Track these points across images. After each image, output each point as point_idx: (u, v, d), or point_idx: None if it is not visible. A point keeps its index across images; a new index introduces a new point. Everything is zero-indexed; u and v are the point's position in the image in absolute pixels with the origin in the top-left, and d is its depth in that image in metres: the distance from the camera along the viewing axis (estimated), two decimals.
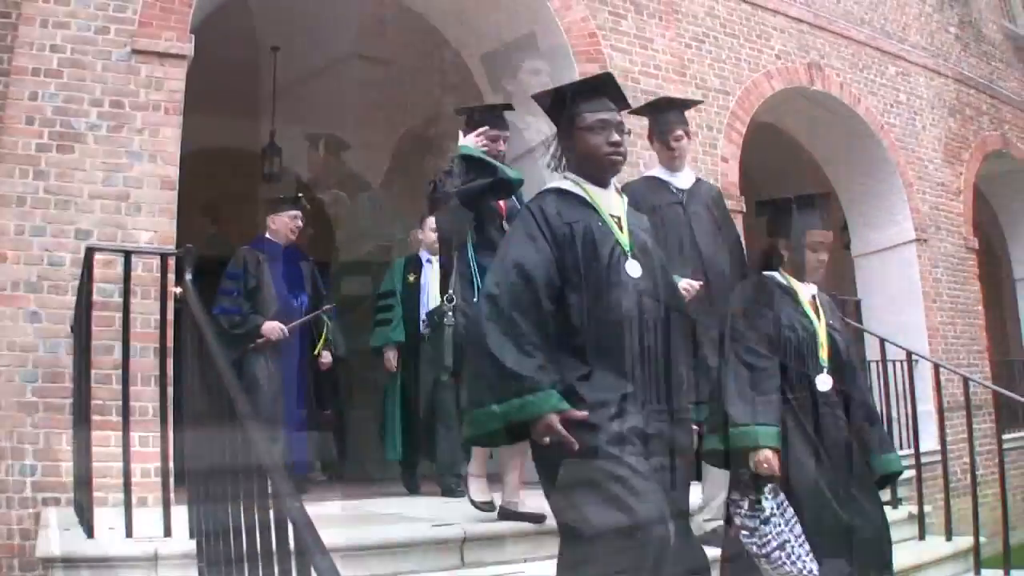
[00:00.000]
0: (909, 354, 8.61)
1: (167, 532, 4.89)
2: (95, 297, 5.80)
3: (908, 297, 13.29)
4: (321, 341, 8.50)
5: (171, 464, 5.25)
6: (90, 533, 4.93)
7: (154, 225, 7.16)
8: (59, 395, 6.62)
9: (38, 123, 7.09)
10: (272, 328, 7.96)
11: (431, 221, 7.85)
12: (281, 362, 8.16)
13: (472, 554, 5.30)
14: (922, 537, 7.87)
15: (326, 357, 8.59)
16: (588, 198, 4.20)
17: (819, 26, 13.06)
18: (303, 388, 8.50)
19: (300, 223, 8.49)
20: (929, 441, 9.36)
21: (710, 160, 10.84)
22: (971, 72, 16.02)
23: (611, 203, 4.28)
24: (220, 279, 8.27)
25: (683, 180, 6.72)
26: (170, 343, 5.58)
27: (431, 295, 8.13)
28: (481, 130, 6.21)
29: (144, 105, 7.36)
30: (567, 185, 4.26)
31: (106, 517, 5.10)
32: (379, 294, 8.88)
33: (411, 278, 8.62)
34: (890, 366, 9.17)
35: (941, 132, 14.82)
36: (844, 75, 13.22)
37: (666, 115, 6.80)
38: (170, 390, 5.40)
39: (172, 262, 5.54)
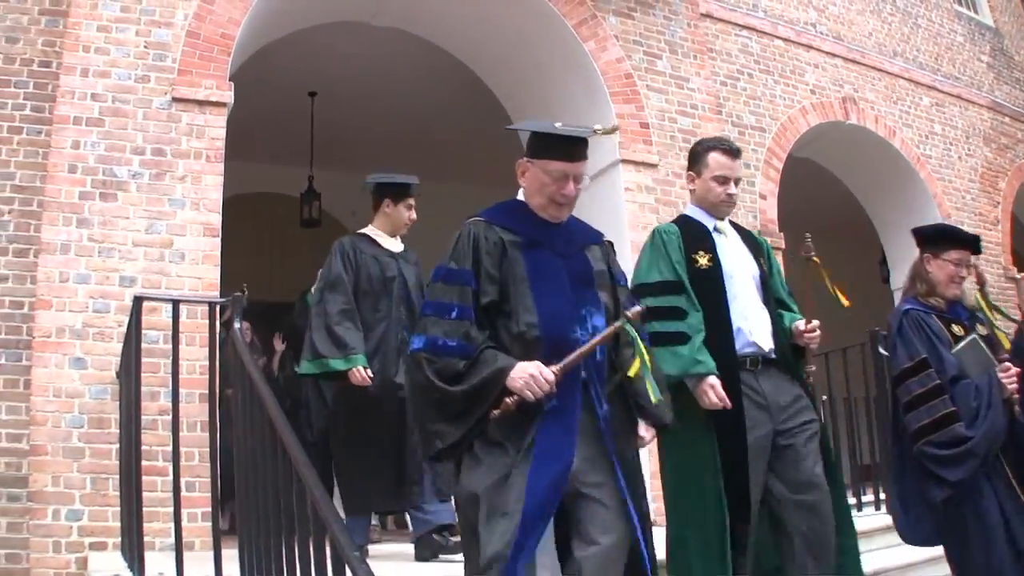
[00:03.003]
0: None
1: None
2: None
3: None
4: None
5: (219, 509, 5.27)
6: None
7: (198, 272, 7.21)
8: (105, 440, 6.66)
9: (80, 171, 7.17)
10: (528, 378, 3.65)
11: (716, 159, 5.07)
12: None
13: None
14: None
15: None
16: None
17: (852, 60, 13.07)
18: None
19: (572, 183, 4.04)
20: None
21: (748, 198, 10.85)
22: (1005, 100, 15.96)
23: None
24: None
25: None
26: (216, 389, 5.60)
27: (747, 286, 4.98)
28: None
29: (186, 153, 7.43)
30: None
31: (156, 562, 5.12)
32: (648, 285, 4.89)
33: (702, 259, 4.93)
34: None
35: (977, 162, 14.77)
36: (879, 108, 13.21)
37: None
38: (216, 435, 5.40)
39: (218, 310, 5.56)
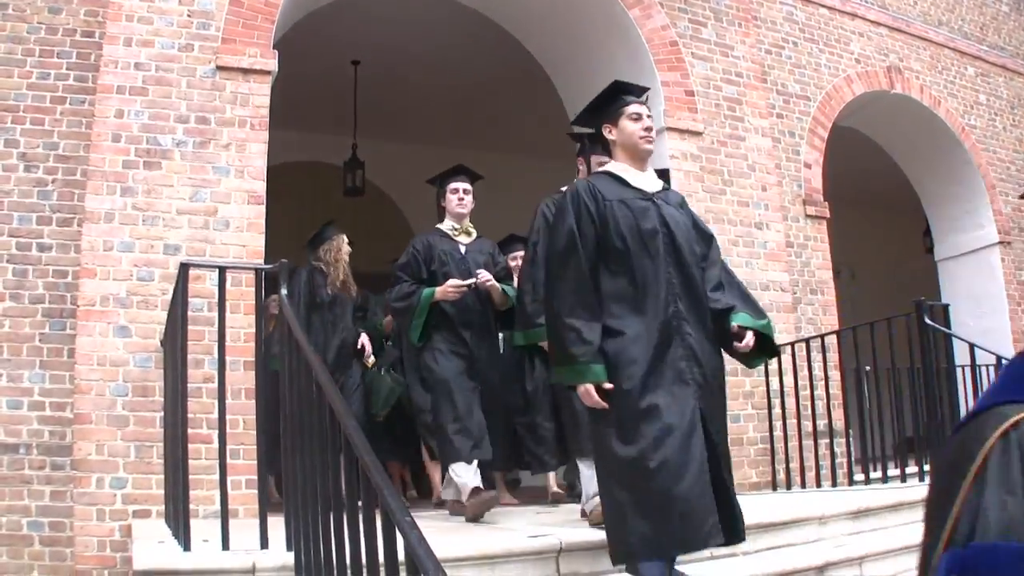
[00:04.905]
0: (999, 359, 8.48)
1: (264, 544, 4.89)
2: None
3: (993, 301, 13.06)
4: None
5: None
6: (187, 546, 4.93)
7: (243, 240, 7.20)
8: (149, 408, 6.69)
9: (124, 140, 7.17)
10: None
11: None
12: None
13: (568, 564, 5.25)
14: None
15: None
16: None
17: (897, 29, 12.93)
18: None
19: None
20: None
21: (793, 166, 10.77)
22: None
23: None
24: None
25: None
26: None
27: None
28: None
29: (230, 121, 7.41)
30: None
31: (200, 529, 5.11)
32: None
33: None
34: (980, 371, 9.01)
35: (1023, 132, 14.60)
36: (923, 77, 13.07)
37: None
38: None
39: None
